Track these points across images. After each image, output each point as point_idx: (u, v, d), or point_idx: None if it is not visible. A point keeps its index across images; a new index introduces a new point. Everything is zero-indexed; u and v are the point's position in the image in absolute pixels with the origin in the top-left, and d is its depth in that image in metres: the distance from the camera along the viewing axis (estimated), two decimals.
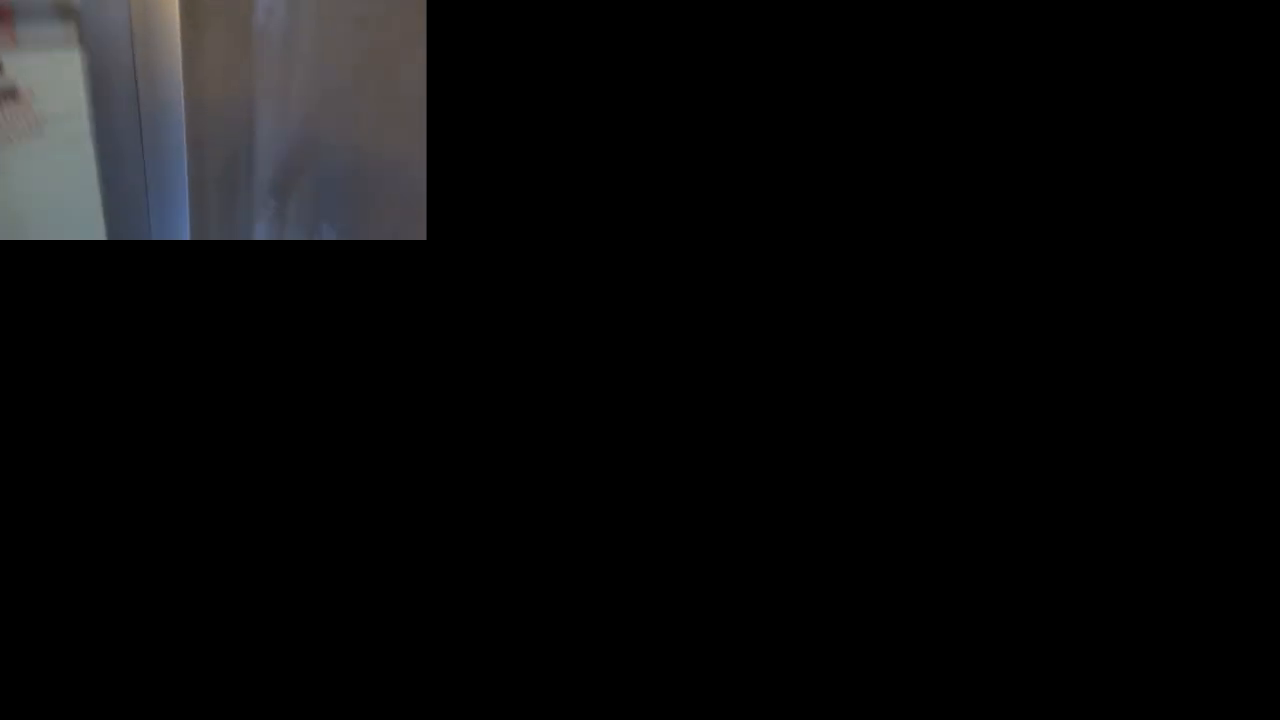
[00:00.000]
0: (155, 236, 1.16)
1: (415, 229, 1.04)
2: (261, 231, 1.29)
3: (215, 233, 1.21)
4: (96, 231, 1.16)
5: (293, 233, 1.30)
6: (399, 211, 1.19)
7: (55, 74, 1.10)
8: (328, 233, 1.29)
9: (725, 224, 0.71)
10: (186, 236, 1.15)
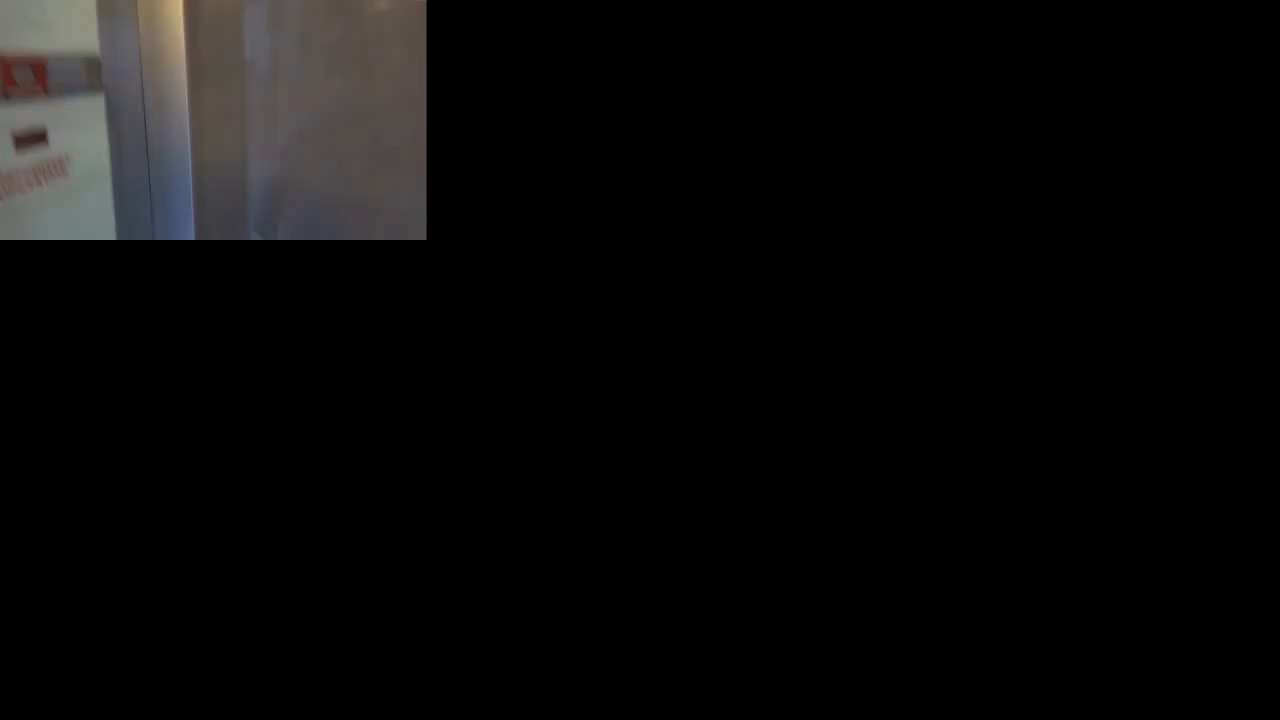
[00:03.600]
0: None
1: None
2: None
3: None
4: None
5: None
6: (384, 234, 1.25)
7: (88, 142, 1.16)
8: None
9: (715, 227, 0.70)
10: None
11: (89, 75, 1.16)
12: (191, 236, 1.31)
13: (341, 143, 1.40)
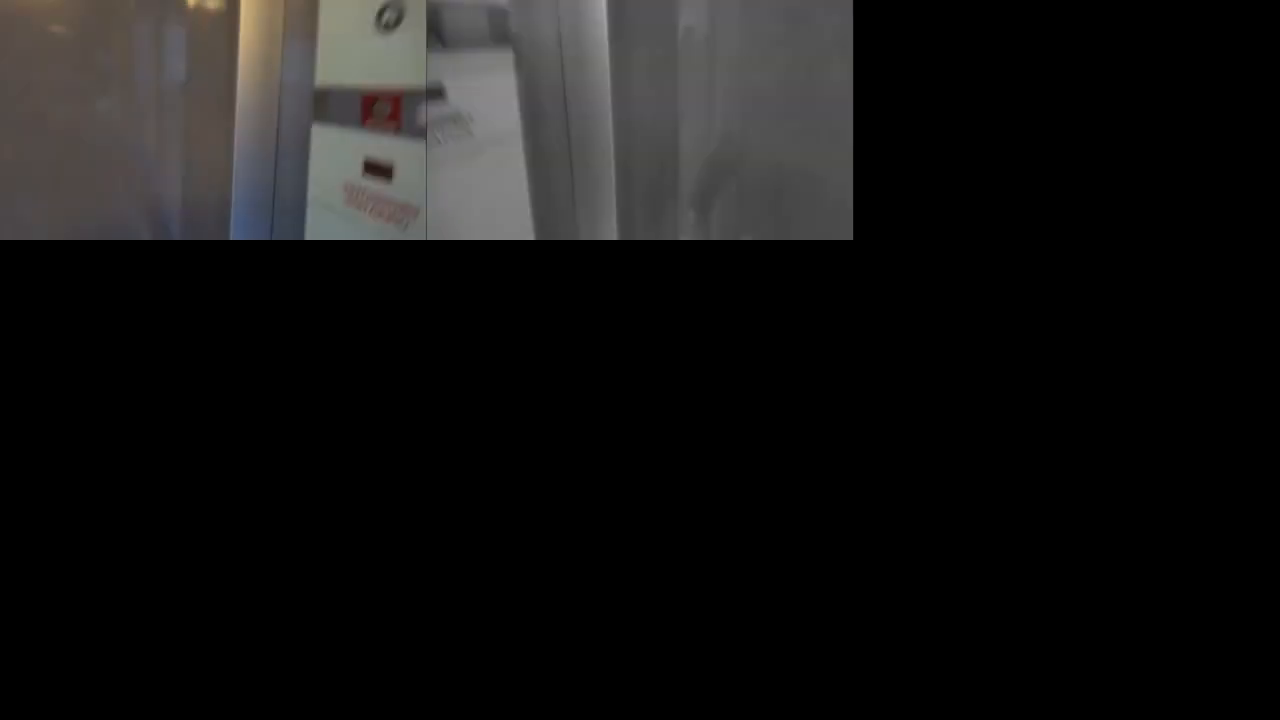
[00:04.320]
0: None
1: (839, 234, 0.99)
2: (685, 238, 1.28)
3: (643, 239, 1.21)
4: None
5: (716, 239, 1.27)
6: (821, 217, 1.14)
7: (492, 97, 1.17)
8: (750, 239, 1.24)
9: None
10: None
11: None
12: (613, 212, 1.24)
13: (778, 111, 1.28)
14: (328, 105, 1.33)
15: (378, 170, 1.17)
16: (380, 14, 1.16)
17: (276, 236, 1.55)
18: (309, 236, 1.42)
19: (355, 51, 1.25)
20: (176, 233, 1.65)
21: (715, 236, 1.30)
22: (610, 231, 1.20)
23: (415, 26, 1.12)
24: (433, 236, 1.08)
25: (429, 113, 1.09)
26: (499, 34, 1.14)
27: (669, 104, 1.27)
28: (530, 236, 1.20)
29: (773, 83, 1.22)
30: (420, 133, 1.11)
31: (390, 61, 1.15)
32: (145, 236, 1.63)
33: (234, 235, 1.55)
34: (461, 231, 1.15)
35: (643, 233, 1.24)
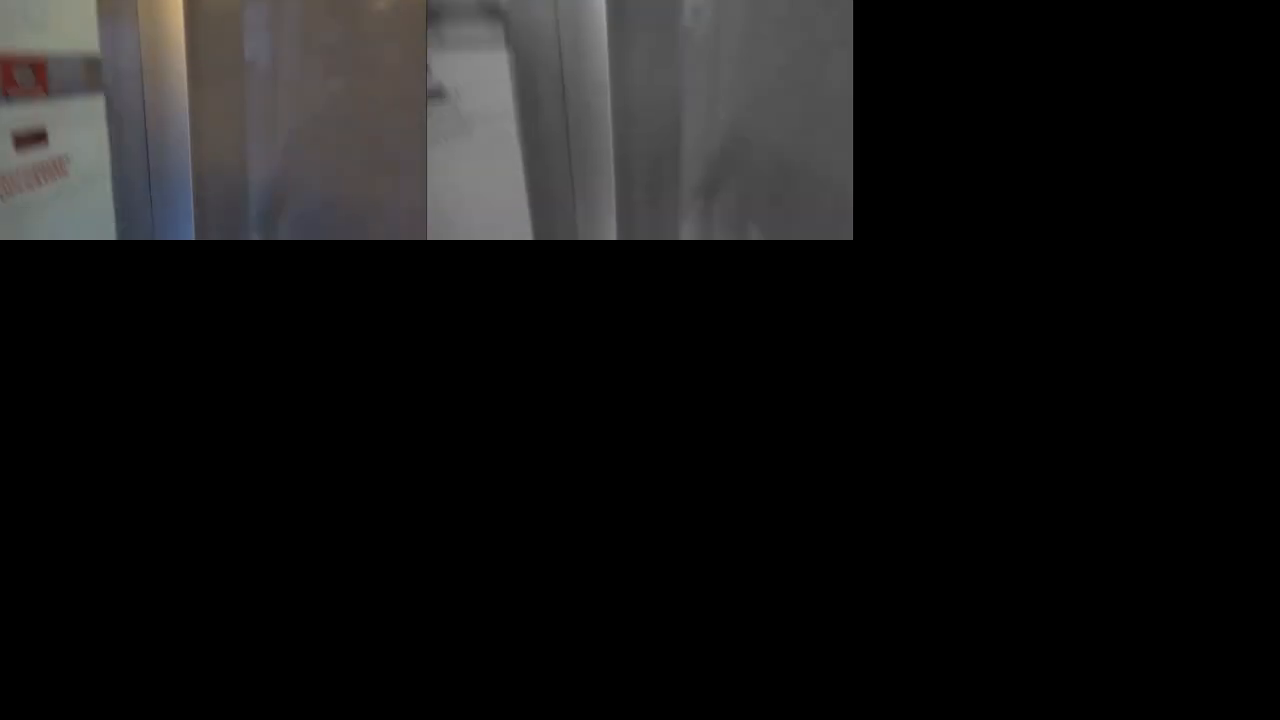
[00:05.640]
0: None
1: (842, 229, 1.00)
2: (687, 231, 1.29)
3: (642, 233, 1.20)
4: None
5: (719, 233, 1.29)
6: (826, 211, 1.14)
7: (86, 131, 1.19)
8: (754, 233, 1.26)
9: None
10: (613, 236, 1.14)
11: (89, 75, 1.17)
12: (191, 237, 1.31)
13: (341, 143, 1.39)
14: None
15: (30, 140, 1.12)
16: None
17: None
18: None
19: None
20: None
21: (718, 224, 1.32)
22: (610, 219, 1.18)
23: None
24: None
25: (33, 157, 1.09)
26: (95, 83, 1.19)
27: (238, 137, 1.34)
28: (525, 213, 1.19)
29: (776, 74, 1.22)
30: (70, 90, 1.12)
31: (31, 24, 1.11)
32: None
33: None
34: (454, 216, 1.14)
35: (644, 219, 1.23)
